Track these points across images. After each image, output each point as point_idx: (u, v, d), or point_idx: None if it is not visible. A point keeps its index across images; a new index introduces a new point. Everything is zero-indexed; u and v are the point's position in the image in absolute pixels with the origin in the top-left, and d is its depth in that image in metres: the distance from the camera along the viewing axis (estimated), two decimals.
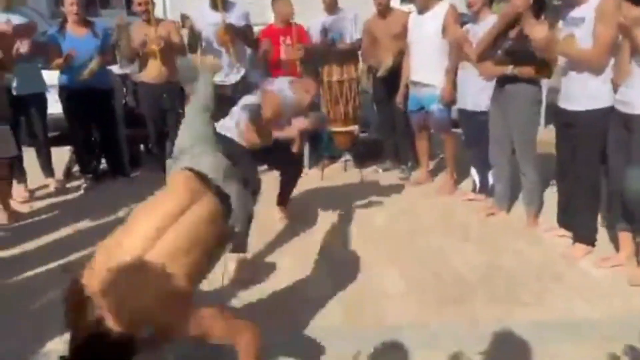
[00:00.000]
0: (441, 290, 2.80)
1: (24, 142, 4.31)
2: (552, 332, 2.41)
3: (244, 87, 4.49)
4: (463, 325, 2.48)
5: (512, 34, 3.23)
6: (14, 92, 4.00)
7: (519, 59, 3.20)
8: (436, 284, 2.86)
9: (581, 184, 3.06)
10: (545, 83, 5.20)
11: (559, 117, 3.15)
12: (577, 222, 3.15)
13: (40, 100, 4.24)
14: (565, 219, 3.28)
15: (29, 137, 4.33)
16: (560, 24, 2.96)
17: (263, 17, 4.98)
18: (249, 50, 4.63)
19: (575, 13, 2.86)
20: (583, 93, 2.90)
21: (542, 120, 5.24)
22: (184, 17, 4.36)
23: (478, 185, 4.02)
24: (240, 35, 4.30)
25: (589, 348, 2.26)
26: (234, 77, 4.44)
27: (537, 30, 2.89)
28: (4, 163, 3.68)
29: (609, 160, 2.89)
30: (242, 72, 4.48)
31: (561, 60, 3.08)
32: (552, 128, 3.63)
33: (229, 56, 4.30)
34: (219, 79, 4.39)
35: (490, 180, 3.85)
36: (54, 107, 4.41)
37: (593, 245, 3.10)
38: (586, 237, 3.11)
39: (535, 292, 2.75)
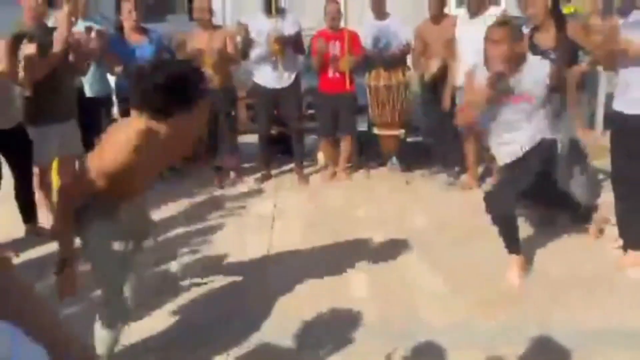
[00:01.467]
0: (484, 292, 2.80)
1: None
2: (595, 339, 2.37)
3: (295, 90, 4.64)
4: (501, 327, 2.48)
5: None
6: (87, 94, 4.24)
7: None
8: (479, 289, 2.85)
9: (637, 190, 2.96)
10: (603, 89, 5.08)
11: (615, 121, 3.06)
12: (632, 229, 3.04)
13: (107, 103, 4.52)
14: (622, 227, 3.15)
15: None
16: (620, 27, 2.85)
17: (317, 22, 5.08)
18: (301, 58, 4.77)
19: (634, 17, 2.77)
20: None
21: (600, 127, 5.08)
22: (240, 25, 4.53)
23: None
24: (290, 44, 4.44)
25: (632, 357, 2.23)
26: (286, 82, 4.59)
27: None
28: (72, 159, 3.92)
29: None
30: (293, 76, 4.62)
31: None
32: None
33: (280, 63, 4.45)
34: (271, 84, 4.60)
35: None
36: None
37: None
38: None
39: (582, 299, 2.71)
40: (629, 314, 2.56)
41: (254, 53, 4.54)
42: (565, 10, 4.69)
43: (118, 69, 4.26)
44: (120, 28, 4.38)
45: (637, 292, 2.75)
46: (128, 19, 4.27)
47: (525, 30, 3.61)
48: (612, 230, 3.23)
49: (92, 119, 4.34)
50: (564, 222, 3.47)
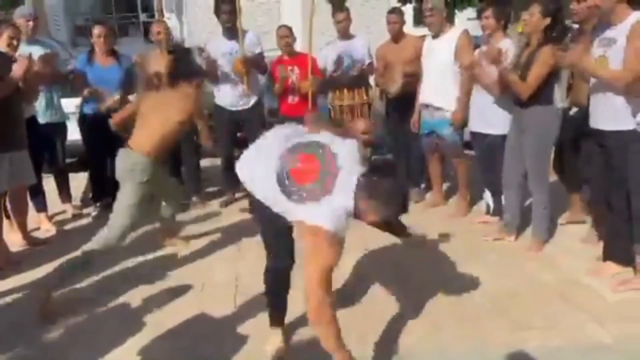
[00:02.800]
0: (452, 314, 2.78)
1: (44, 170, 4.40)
2: (564, 356, 2.37)
3: (257, 111, 4.58)
4: (474, 350, 2.46)
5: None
6: (40, 121, 4.09)
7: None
8: (447, 308, 2.85)
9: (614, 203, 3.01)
10: None
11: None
12: (613, 241, 3.09)
13: (60, 129, 4.36)
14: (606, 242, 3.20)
15: (48, 164, 4.43)
16: (594, 44, 2.94)
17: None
18: (262, 77, 4.72)
19: (608, 34, 2.84)
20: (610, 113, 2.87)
21: None
22: (201, 49, 4.47)
23: (492, 207, 4.00)
24: (254, 65, 4.41)
25: None
26: (248, 103, 4.53)
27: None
28: (24, 189, 3.76)
29: (630, 182, 2.86)
30: (255, 98, 4.56)
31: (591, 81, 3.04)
32: None
33: (243, 84, 4.40)
34: (233, 105, 4.52)
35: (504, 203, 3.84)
36: (71, 134, 4.54)
37: (627, 265, 3.03)
38: (620, 257, 3.05)
39: (548, 316, 2.71)
40: (592, 329, 2.58)
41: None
42: (518, 29, 4.84)
43: (85, 91, 4.20)
44: (91, 50, 4.33)
45: (602, 307, 2.79)
46: (97, 43, 4.26)
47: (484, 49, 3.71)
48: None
49: (45, 146, 4.19)
50: None
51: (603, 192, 3.11)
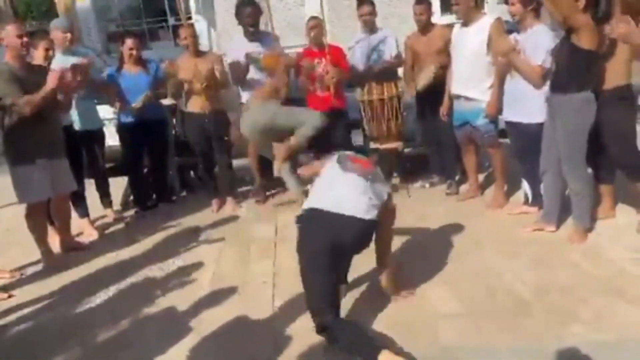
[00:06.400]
0: (496, 308, 2.73)
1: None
2: (613, 351, 2.29)
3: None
4: (520, 345, 2.40)
5: None
6: (76, 128, 4.22)
7: None
8: (490, 302, 2.79)
9: None
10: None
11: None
12: None
13: (98, 136, 4.49)
14: None
15: (87, 170, 4.56)
16: None
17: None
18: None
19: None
20: None
21: None
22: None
23: (530, 197, 3.90)
24: (286, 61, 4.42)
25: None
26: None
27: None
28: (65, 197, 3.87)
29: None
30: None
31: None
32: None
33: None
34: None
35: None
36: (110, 139, 4.71)
37: None
38: None
39: (595, 309, 2.63)
40: None
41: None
42: None
43: (117, 104, 4.46)
44: (121, 59, 4.52)
45: None
46: (128, 55, 4.46)
47: (516, 36, 3.60)
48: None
49: (83, 153, 4.31)
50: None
51: None
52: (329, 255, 2.46)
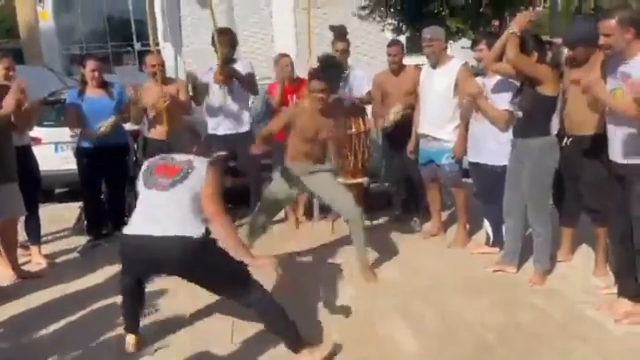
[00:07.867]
0: (458, 350, 2.69)
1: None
2: None
3: (252, 138, 4.56)
4: None
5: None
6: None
7: None
8: (453, 342, 2.76)
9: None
10: None
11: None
12: (626, 277, 2.98)
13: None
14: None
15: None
16: (608, 80, 2.86)
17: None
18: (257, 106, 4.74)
19: (623, 68, 2.76)
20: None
21: None
22: (189, 74, 4.50)
23: (492, 237, 3.94)
24: (239, 79, 4.46)
25: None
26: (241, 128, 4.60)
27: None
28: (12, 223, 3.68)
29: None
30: (248, 125, 4.65)
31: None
32: None
33: (226, 99, 4.49)
34: (224, 131, 4.55)
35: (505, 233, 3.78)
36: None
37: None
38: (633, 293, 2.94)
39: (558, 352, 2.63)
40: None
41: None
42: None
43: (76, 130, 4.31)
44: (83, 82, 4.37)
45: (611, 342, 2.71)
46: (90, 77, 4.31)
47: (483, 79, 3.70)
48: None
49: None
50: None
51: (619, 226, 2.97)
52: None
